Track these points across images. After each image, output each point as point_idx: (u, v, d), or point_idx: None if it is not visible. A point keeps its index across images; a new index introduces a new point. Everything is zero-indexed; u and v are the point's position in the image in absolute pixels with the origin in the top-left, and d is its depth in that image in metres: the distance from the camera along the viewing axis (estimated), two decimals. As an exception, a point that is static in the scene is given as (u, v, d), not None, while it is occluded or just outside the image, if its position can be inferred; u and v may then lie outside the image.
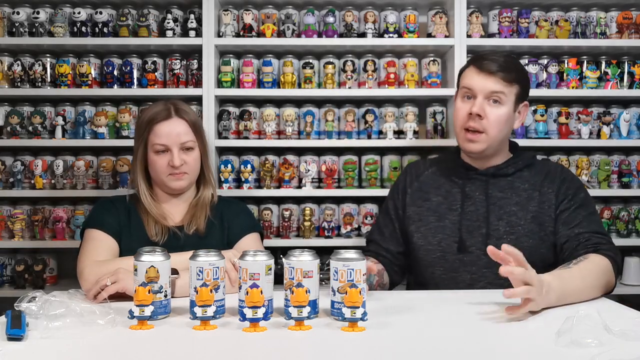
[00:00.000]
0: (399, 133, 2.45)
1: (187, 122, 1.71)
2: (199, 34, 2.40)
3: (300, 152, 2.48)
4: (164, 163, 1.67)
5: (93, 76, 2.43)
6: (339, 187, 2.45)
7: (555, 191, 1.68)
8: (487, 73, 1.64)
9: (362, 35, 2.47)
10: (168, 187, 1.71)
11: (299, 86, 2.46)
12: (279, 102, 2.50)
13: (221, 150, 2.48)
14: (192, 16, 2.42)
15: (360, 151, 2.49)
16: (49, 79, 2.43)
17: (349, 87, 2.44)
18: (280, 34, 2.47)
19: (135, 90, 2.43)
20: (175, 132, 1.68)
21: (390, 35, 2.43)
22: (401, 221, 1.78)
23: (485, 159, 1.72)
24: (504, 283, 1.59)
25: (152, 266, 1.21)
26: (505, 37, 2.44)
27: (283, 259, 1.24)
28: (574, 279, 1.39)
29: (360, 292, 1.13)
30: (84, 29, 2.41)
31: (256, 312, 1.12)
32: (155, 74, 2.43)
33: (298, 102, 2.50)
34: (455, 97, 1.77)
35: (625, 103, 2.54)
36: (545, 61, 2.48)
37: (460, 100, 1.70)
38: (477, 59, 1.71)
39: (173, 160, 1.66)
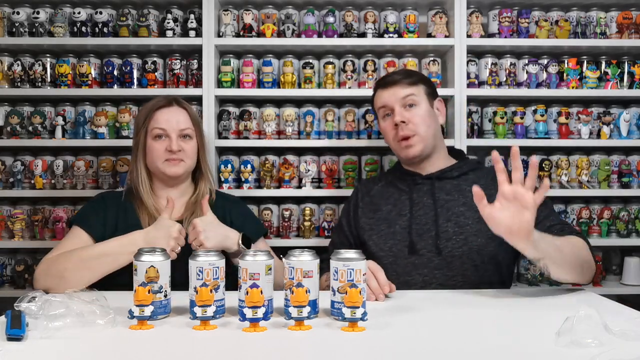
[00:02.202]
0: (399, 133, 2.45)
1: (187, 113, 1.76)
2: (199, 34, 2.40)
3: (300, 152, 2.48)
4: (162, 148, 1.69)
5: (93, 76, 2.43)
6: (339, 187, 2.45)
7: None
8: (391, 84, 1.78)
9: (362, 35, 2.47)
10: (164, 175, 1.71)
11: (299, 86, 2.46)
12: (279, 102, 2.50)
13: (221, 150, 2.48)
14: (192, 16, 2.42)
15: (360, 151, 2.49)
16: (49, 79, 2.43)
17: (349, 87, 2.44)
18: (280, 34, 2.47)
19: (135, 90, 2.43)
20: (175, 119, 1.71)
21: (390, 35, 2.43)
22: (355, 236, 1.83)
23: (427, 163, 1.79)
24: (456, 284, 1.65)
25: (152, 266, 1.21)
26: (505, 37, 2.44)
27: (283, 259, 1.24)
28: (553, 238, 1.41)
29: (360, 292, 1.14)
30: (84, 29, 2.41)
31: (256, 312, 1.12)
32: (155, 74, 2.43)
33: (298, 102, 2.50)
34: (378, 123, 1.87)
35: (625, 103, 2.54)
36: (545, 61, 2.48)
37: (382, 121, 1.82)
38: (379, 80, 1.87)
39: (171, 144, 1.68)
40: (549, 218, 1.63)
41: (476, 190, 1.31)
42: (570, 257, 1.43)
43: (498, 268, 1.68)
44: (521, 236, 1.28)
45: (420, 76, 1.84)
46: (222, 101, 2.51)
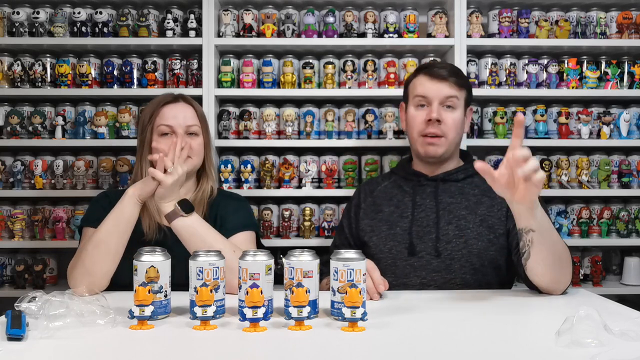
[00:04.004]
0: (399, 133, 2.45)
1: (194, 109, 1.72)
2: (199, 34, 2.40)
3: (300, 152, 2.48)
4: (168, 145, 1.64)
5: (93, 76, 2.43)
6: (339, 187, 2.45)
7: None
8: (440, 79, 1.71)
9: (362, 35, 2.47)
10: None
11: (299, 86, 2.46)
12: (279, 102, 2.50)
13: (221, 150, 2.48)
14: (192, 16, 2.42)
15: (360, 151, 2.49)
16: (49, 79, 2.43)
17: (349, 87, 2.44)
18: (280, 34, 2.47)
19: (135, 90, 2.43)
20: (182, 115, 1.68)
21: (390, 35, 2.43)
22: (355, 237, 1.82)
23: (438, 165, 1.77)
24: (453, 288, 1.63)
25: (152, 266, 1.21)
26: (505, 37, 2.44)
27: (283, 259, 1.24)
28: (549, 220, 1.38)
29: (360, 292, 1.14)
30: (84, 29, 2.41)
31: (256, 312, 1.12)
32: (155, 74, 2.43)
33: (298, 102, 2.50)
34: (404, 106, 1.82)
35: (625, 103, 2.54)
36: (545, 61, 2.48)
37: (413, 109, 1.75)
38: (425, 67, 1.78)
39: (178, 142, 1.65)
40: None
41: (479, 165, 1.26)
42: (556, 246, 1.38)
43: (498, 272, 1.67)
44: (526, 192, 1.24)
45: (466, 80, 1.79)
46: (222, 101, 2.51)
